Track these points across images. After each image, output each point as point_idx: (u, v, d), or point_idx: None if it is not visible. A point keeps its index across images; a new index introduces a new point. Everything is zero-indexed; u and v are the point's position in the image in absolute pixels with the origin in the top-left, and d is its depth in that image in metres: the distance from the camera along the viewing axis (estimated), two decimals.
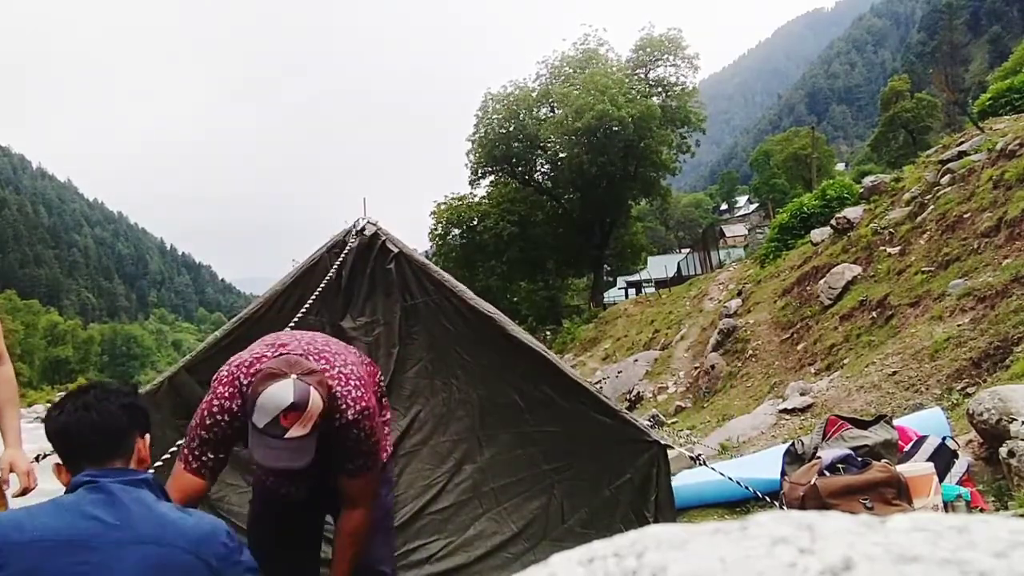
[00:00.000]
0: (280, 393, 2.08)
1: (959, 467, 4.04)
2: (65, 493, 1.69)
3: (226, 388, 2.32)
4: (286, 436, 2.07)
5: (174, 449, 2.61)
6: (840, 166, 53.89)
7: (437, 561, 3.62)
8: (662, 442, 3.60)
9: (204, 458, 2.28)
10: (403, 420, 3.69)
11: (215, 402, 2.31)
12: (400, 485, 3.70)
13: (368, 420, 2.36)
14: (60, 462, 1.79)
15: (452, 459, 3.70)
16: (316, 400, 2.11)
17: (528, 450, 3.62)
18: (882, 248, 10.44)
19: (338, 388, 2.31)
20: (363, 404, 2.35)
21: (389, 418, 2.81)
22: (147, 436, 1.86)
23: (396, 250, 3.60)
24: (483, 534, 3.64)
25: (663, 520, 3.50)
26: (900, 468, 3.67)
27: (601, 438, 3.53)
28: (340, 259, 3.57)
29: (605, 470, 3.55)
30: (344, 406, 2.31)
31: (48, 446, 3.38)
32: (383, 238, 3.61)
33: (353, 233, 3.59)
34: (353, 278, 3.62)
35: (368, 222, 3.62)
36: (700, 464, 3.90)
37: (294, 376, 2.12)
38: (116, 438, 1.75)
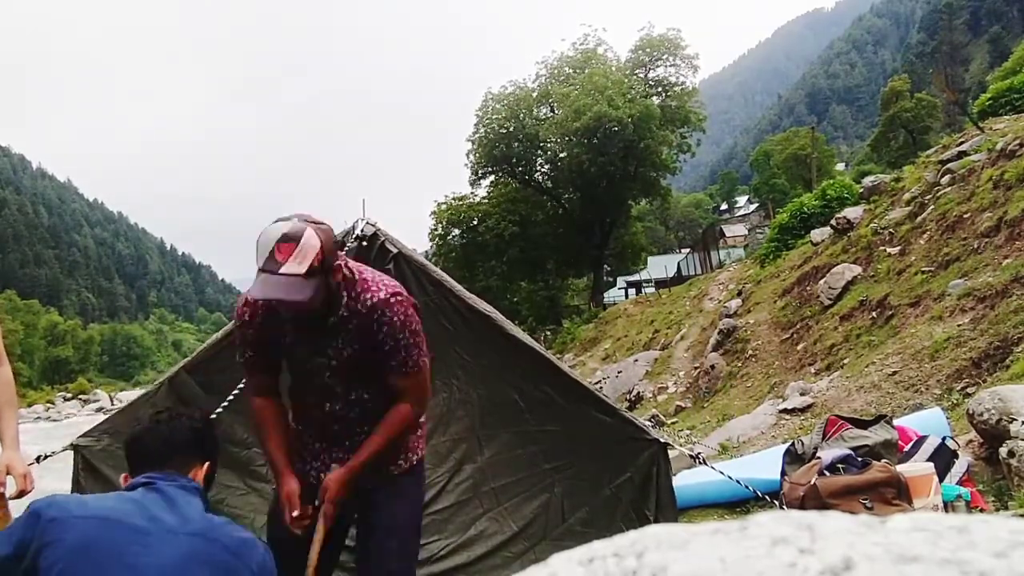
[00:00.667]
0: (276, 228, 2.09)
1: (959, 467, 4.04)
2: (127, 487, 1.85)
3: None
4: (281, 271, 2.04)
5: None
6: (840, 166, 53.88)
7: (437, 561, 3.62)
8: (662, 440, 3.60)
9: (248, 354, 2.39)
10: None
11: (241, 306, 2.37)
12: None
13: (402, 306, 2.29)
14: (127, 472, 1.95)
15: (452, 459, 3.71)
16: (312, 237, 2.08)
17: (528, 449, 3.62)
18: (882, 248, 10.44)
19: (368, 274, 2.34)
20: (396, 289, 2.33)
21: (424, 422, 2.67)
22: (207, 465, 1.97)
23: (395, 251, 3.59)
24: (483, 534, 3.65)
25: (664, 519, 3.51)
26: (900, 468, 3.67)
27: (601, 437, 3.53)
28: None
29: (605, 469, 3.55)
30: (376, 288, 2.29)
31: (49, 447, 3.39)
32: (382, 238, 3.59)
33: (352, 234, 3.58)
34: None
35: (367, 223, 3.61)
36: (700, 463, 3.90)
37: (295, 218, 2.13)
38: (177, 450, 1.91)
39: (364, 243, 3.59)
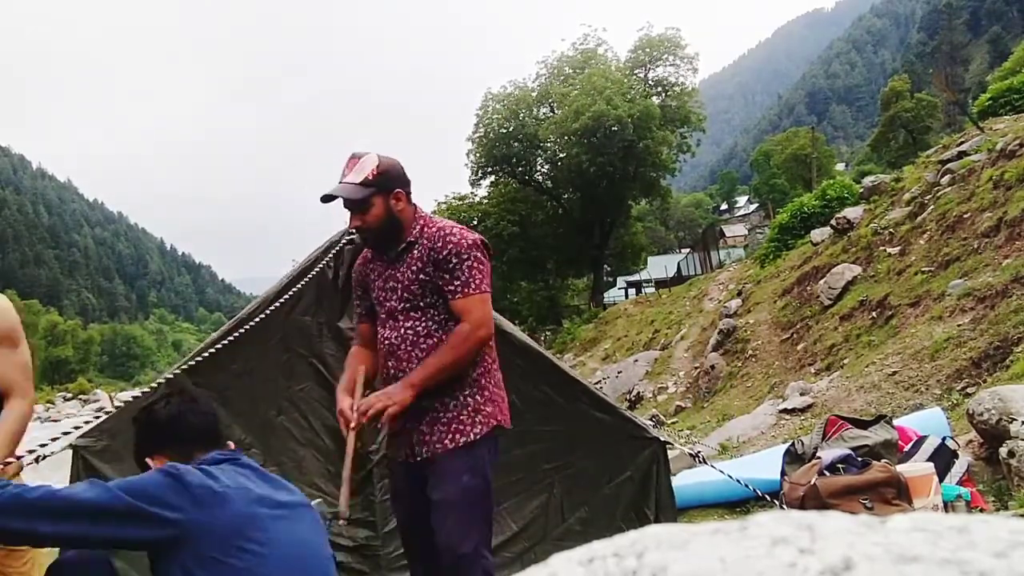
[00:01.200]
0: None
1: (959, 467, 4.04)
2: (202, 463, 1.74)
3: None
4: (343, 180, 2.55)
5: None
6: (840, 166, 53.87)
7: None
8: (662, 439, 3.60)
9: (360, 310, 2.82)
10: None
11: (359, 262, 2.83)
12: None
13: (469, 234, 2.60)
14: (159, 452, 1.85)
15: None
16: (373, 157, 2.57)
17: (527, 449, 3.61)
18: (882, 248, 10.44)
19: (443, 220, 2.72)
20: (465, 228, 2.66)
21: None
22: (231, 443, 1.99)
23: None
24: None
25: (664, 518, 3.51)
26: (900, 468, 3.67)
27: (600, 436, 3.53)
28: (330, 259, 3.54)
29: (605, 468, 3.55)
30: (447, 222, 2.67)
31: (49, 448, 3.34)
32: None
33: (348, 233, 3.54)
34: (349, 278, 3.60)
35: None
36: (700, 462, 3.91)
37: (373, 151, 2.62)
38: (219, 428, 1.94)
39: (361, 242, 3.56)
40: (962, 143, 11.66)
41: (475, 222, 32.14)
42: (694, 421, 10.80)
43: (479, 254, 2.55)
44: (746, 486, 3.80)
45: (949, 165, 10.68)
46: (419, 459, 2.52)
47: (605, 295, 35.92)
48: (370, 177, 2.52)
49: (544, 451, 3.60)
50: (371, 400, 2.44)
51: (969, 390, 5.69)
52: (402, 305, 2.58)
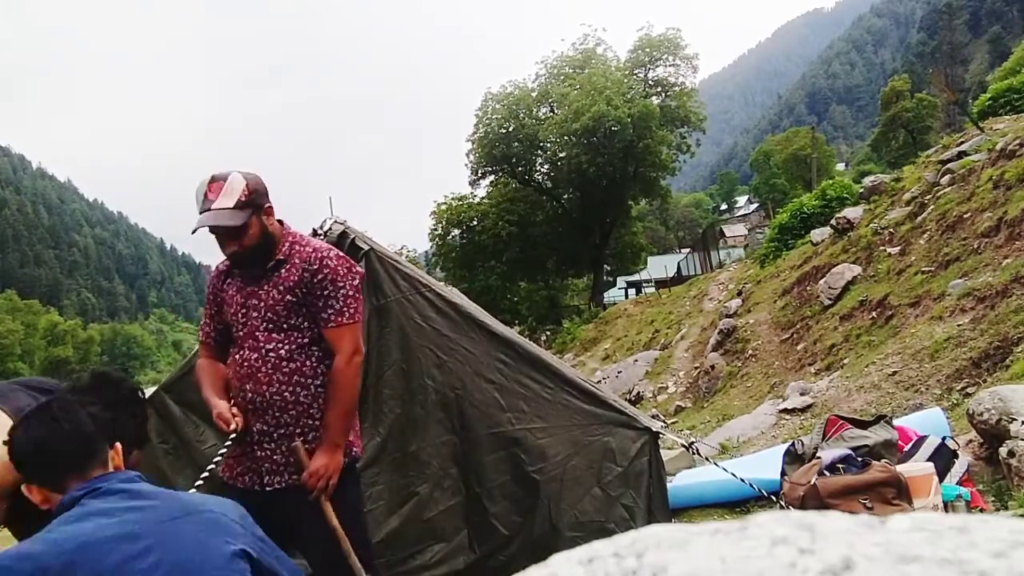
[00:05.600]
0: (207, 176, 2.44)
1: (959, 467, 4.04)
2: (63, 509, 1.56)
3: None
4: (213, 206, 2.38)
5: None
6: (840, 166, 53.96)
7: (432, 568, 3.54)
8: (653, 429, 3.56)
9: (208, 330, 2.68)
10: (383, 427, 3.59)
11: (211, 277, 2.73)
12: (384, 494, 3.59)
13: (345, 260, 2.55)
14: (30, 482, 1.66)
15: (435, 464, 3.58)
16: (237, 176, 2.42)
17: (514, 448, 3.51)
18: (882, 248, 10.44)
19: (314, 239, 2.70)
20: (340, 252, 2.61)
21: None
22: (118, 445, 1.77)
23: (366, 248, 3.50)
24: (476, 536, 3.57)
25: (656, 509, 3.48)
26: (900, 468, 3.67)
27: (589, 427, 3.48)
28: None
29: (595, 461, 3.49)
30: (319, 244, 2.61)
31: None
32: (352, 236, 3.50)
33: (322, 235, 3.45)
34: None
35: (335, 222, 3.52)
36: (694, 453, 3.90)
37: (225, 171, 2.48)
38: (92, 445, 1.68)
39: (333, 241, 3.48)
40: (962, 143, 11.65)
41: (474, 222, 32.16)
42: (694, 421, 10.80)
43: (356, 283, 2.53)
44: (750, 484, 3.79)
45: (949, 165, 10.67)
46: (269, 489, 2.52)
47: (605, 295, 35.92)
48: (243, 198, 2.40)
49: (531, 447, 3.49)
50: (321, 472, 2.43)
51: (969, 390, 5.69)
52: (264, 325, 2.49)
